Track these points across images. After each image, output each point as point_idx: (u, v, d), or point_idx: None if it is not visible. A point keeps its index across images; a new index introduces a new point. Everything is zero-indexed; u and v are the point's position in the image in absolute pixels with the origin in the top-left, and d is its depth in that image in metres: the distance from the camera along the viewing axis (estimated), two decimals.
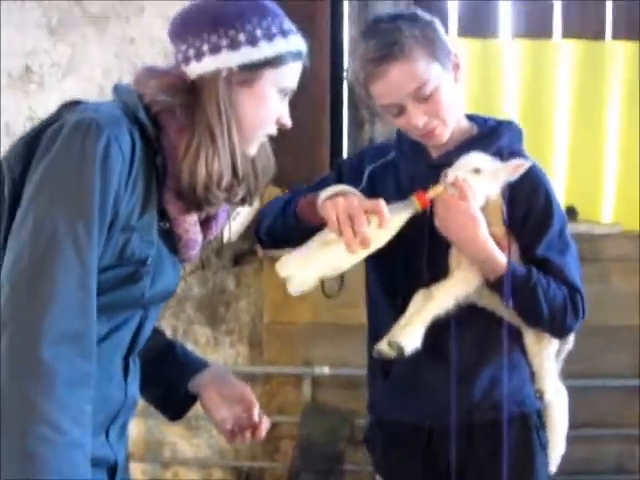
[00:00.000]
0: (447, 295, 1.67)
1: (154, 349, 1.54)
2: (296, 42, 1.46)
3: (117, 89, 1.45)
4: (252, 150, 1.47)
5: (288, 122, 1.48)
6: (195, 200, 1.39)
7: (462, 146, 1.73)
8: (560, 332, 1.75)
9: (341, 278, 2.69)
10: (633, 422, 2.94)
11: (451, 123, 1.72)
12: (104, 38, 2.99)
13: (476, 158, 1.67)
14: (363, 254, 1.58)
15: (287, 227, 1.78)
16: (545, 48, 3.05)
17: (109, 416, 1.39)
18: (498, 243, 1.67)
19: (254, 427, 1.55)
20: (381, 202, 1.57)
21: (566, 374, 1.80)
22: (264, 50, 1.42)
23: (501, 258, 1.67)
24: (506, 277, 1.65)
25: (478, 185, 1.65)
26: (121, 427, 1.42)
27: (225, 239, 2.99)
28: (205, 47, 1.40)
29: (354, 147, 3.07)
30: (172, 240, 1.42)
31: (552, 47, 3.05)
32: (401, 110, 1.70)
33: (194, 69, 1.41)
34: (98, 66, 2.99)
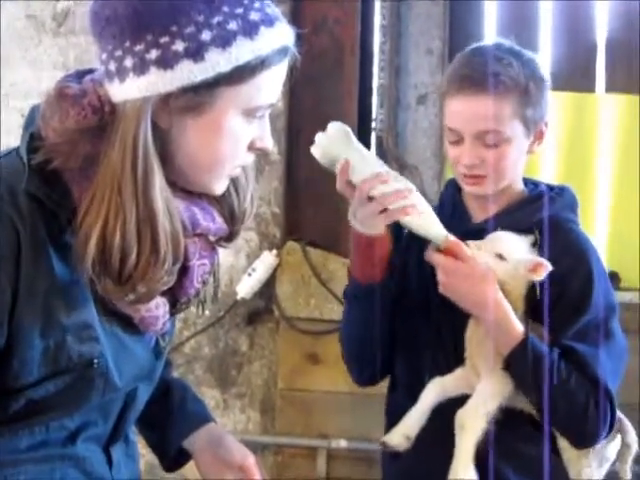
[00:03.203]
0: (478, 420, 1.57)
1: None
2: (273, 38, 1.07)
3: (25, 122, 1.16)
4: (217, 188, 1.16)
5: (268, 145, 1.15)
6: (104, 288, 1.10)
7: (505, 212, 1.66)
8: (578, 439, 1.60)
9: None
10: None
11: (501, 181, 1.64)
12: None
13: (502, 240, 1.59)
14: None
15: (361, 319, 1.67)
16: (587, 102, 3.03)
17: None
18: None
19: None
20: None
21: None
22: (216, 62, 1.03)
23: (517, 326, 1.56)
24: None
25: (498, 271, 1.57)
26: None
27: (239, 296, 2.96)
28: (128, 62, 1.04)
29: None
30: (126, 317, 1.18)
31: (595, 101, 3.03)
32: (459, 141, 1.62)
33: (117, 92, 1.07)
34: None
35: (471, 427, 1.57)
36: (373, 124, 3.02)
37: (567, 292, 1.59)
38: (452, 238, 1.57)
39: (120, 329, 1.19)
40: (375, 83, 3.02)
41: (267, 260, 2.85)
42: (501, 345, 1.57)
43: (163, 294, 1.18)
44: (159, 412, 1.45)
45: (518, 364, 1.56)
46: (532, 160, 2.97)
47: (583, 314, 1.59)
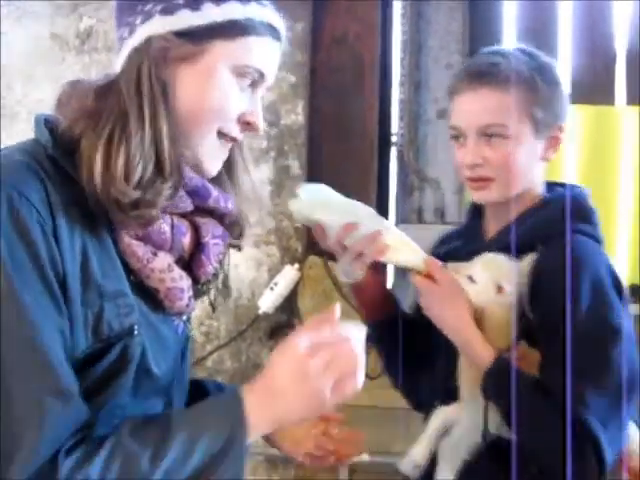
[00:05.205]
0: (458, 451, 1.56)
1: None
2: (260, 11, 1.19)
3: (35, 121, 1.22)
4: (208, 156, 1.21)
5: (257, 122, 1.22)
6: (112, 213, 1.12)
7: (516, 222, 1.56)
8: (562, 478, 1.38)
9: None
10: None
11: (510, 186, 1.54)
12: None
13: (479, 263, 1.56)
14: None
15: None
16: (608, 114, 3.02)
17: None
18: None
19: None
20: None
21: None
22: (210, 14, 1.16)
23: (485, 351, 1.49)
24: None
25: (469, 294, 1.56)
26: None
27: (261, 311, 2.97)
28: (138, 19, 1.17)
29: (401, 216, 3.05)
30: (151, 294, 1.20)
31: (615, 113, 3.02)
32: (463, 142, 1.56)
33: (125, 48, 1.18)
34: None
35: (450, 458, 1.57)
36: (394, 138, 3.04)
37: (552, 313, 1.46)
38: (431, 260, 1.56)
39: (148, 309, 1.19)
40: (395, 98, 3.05)
41: (289, 274, 2.86)
42: (479, 370, 1.51)
43: (183, 269, 1.21)
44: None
45: (489, 390, 1.50)
46: (552, 173, 2.97)
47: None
